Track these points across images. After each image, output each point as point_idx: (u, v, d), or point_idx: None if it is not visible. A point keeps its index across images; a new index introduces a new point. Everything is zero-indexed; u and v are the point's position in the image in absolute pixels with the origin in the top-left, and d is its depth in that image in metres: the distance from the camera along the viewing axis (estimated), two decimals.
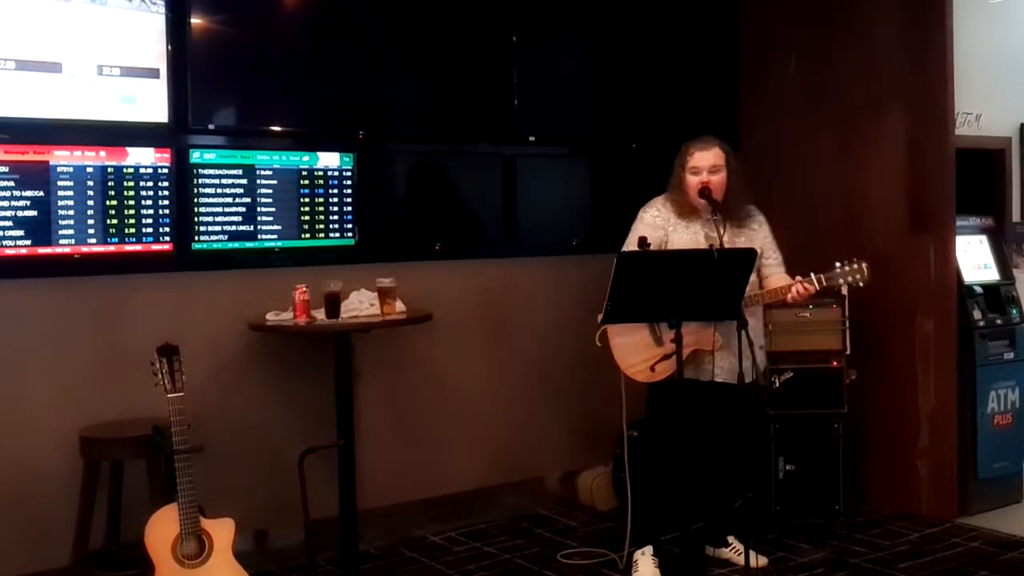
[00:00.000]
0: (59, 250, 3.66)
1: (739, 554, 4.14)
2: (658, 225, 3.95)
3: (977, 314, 4.71)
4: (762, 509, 4.73)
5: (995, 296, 4.84)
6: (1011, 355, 4.79)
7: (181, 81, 3.89)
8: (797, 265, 4.05)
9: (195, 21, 3.93)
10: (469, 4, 4.67)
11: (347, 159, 4.31)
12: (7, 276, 3.60)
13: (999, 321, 4.80)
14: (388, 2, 4.47)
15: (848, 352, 4.73)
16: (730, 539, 4.20)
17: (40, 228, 3.63)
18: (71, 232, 3.69)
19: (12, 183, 3.58)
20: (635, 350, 3.90)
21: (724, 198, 3.89)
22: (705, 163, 3.88)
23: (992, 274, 4.93)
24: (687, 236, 3.92)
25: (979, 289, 4.77)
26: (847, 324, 4.71)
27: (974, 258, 4.89)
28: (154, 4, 3.82)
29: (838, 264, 3.80)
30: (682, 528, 3.97)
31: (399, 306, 3.82)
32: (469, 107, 4.69)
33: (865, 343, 4.83)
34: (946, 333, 4.62)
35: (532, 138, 4.84)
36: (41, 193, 3.63)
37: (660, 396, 3.98)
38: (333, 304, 3.67)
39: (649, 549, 4.05)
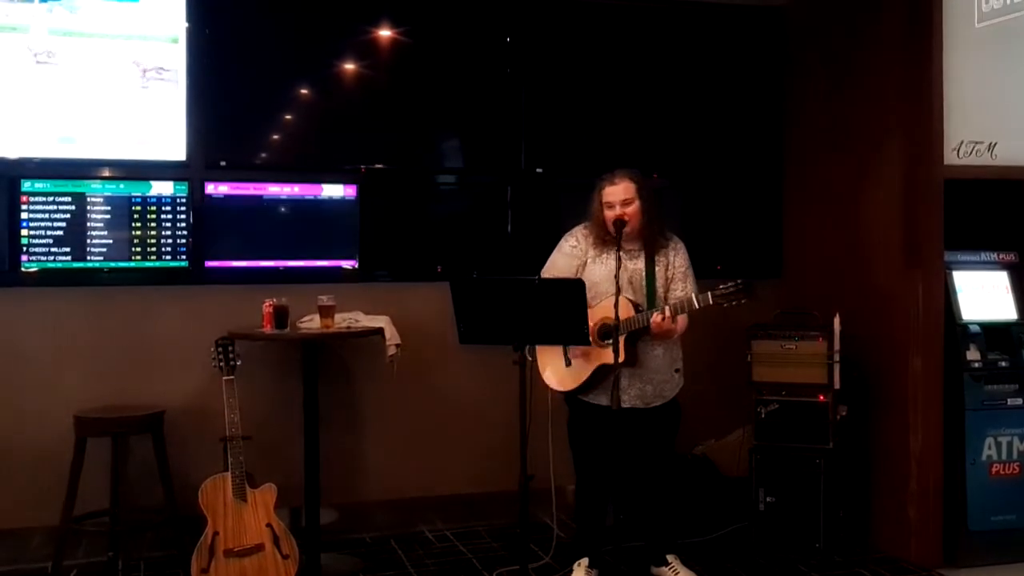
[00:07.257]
0: (91, 265, 4.55)
1: (676, 573, 4.27)
2: (575, 255, 4.16)
3: (973, 355, 4.42)
4: (743, 539, 4.75)
5: (1005, 337, 4.51)
6: (1020, 401, 4.44)
7: (199, 133, 4.68)
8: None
9: (211, 79, 4.70)
10: (479, 48, 5.11)
11: (350, 190, 4.90)
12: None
13: (1003, 363, 4.45)
14: (387, 57, 5.00)
15: (838, 387, 4.63)
16: (669, 558, 4.31)
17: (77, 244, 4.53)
18: (103, 250, 4.56)
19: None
20: (550, 360, 4.14)
21: (639, 226, 4.05)
22: (616, 197, 4.04)
23: (1009, 313, 4.59)
24: (602, 268, 4.07)
25: (976, 328, 4.47)
26: (836, 358, 4.62)
27: (988, 295, 4.59)
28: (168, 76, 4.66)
29: (719, 287, 3.78)
30: (616, 543, 4.18)
31: (338, 320, 4.31)
32: (474, 141, 5.14)
33: (862, 379, 4.71)
34: (931, 373, 4.41)
35: (539, 170, 5.17)
36: (77, 217, 4.52)
37: (573, 419, 4.23)
38: (281, 316, 4.21)
39: (585, 561, 4.27)
